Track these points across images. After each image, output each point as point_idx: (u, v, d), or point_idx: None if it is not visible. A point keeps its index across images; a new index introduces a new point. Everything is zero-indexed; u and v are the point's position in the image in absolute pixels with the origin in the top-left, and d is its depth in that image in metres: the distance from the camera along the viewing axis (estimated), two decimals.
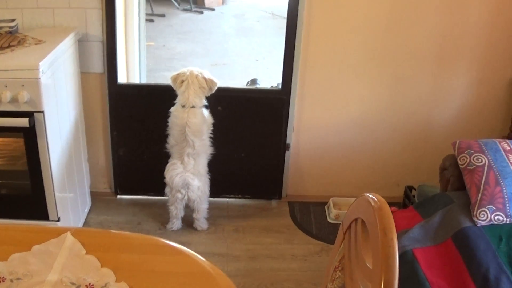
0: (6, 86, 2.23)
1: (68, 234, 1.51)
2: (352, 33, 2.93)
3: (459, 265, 1.95)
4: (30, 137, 2.34)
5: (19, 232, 1.55)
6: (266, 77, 5.11)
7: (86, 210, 3.10)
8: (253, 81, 5.26)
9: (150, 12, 7.33)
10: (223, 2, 8.01)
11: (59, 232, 1.53)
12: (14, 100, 2.24)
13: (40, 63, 2.23)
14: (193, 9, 7.73)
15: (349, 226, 1.25)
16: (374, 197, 1.12)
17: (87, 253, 1.45)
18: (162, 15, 7.40)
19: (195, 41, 6.55)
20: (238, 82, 5.32)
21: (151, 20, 7.18)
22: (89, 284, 1.35)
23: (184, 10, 7.75)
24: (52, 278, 1.36)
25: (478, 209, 2.09)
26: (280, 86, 3.07)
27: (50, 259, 1.43)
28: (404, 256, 2.08)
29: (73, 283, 1.35)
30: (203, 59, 6.03)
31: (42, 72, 2.25)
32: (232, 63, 5.98)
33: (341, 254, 1.31)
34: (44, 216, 2.51)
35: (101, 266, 1.41)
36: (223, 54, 6.22)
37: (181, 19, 7.46)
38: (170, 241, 1.55)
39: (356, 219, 1.21)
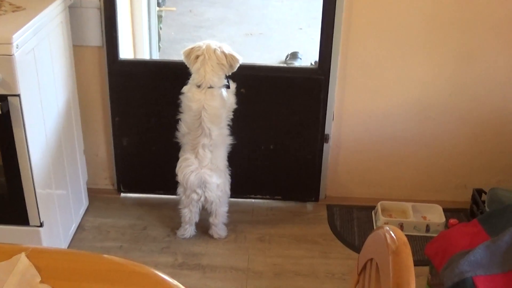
0: None
1: (22, 255, 1.42)
2: None
3: None
4: (3, 125, 2.27)
5: None
6: (310, 49, 4.95)
7: (82, 211, 3.05)
8: (294, 55, 5.11)
9: None
10: None
11: (13, 252, 1.43)
12: None
13: (14, 36, 2.14)
14: None
15: (364, 266, 1.08)
16: (392, 234, 0.94)
17: (41, 281, 1.36)
18: None
19: (228, 6, 6.45)
20: (276, 55, 5.20)
21: None
22: None
23: None
24: None
25: None
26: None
27: None
28: (462, 285, 1.94)
29: None
30: (236, 28, 5.94)
31: (17, 47, 2.16)
32: (270, 32, 5.86)
33: None
34: (24, 221, 2.45)
35: None
36: (260, 21, 6.11)
37: None
38: (155, 270, 1.43)
39: (371, 259, 1.04)
